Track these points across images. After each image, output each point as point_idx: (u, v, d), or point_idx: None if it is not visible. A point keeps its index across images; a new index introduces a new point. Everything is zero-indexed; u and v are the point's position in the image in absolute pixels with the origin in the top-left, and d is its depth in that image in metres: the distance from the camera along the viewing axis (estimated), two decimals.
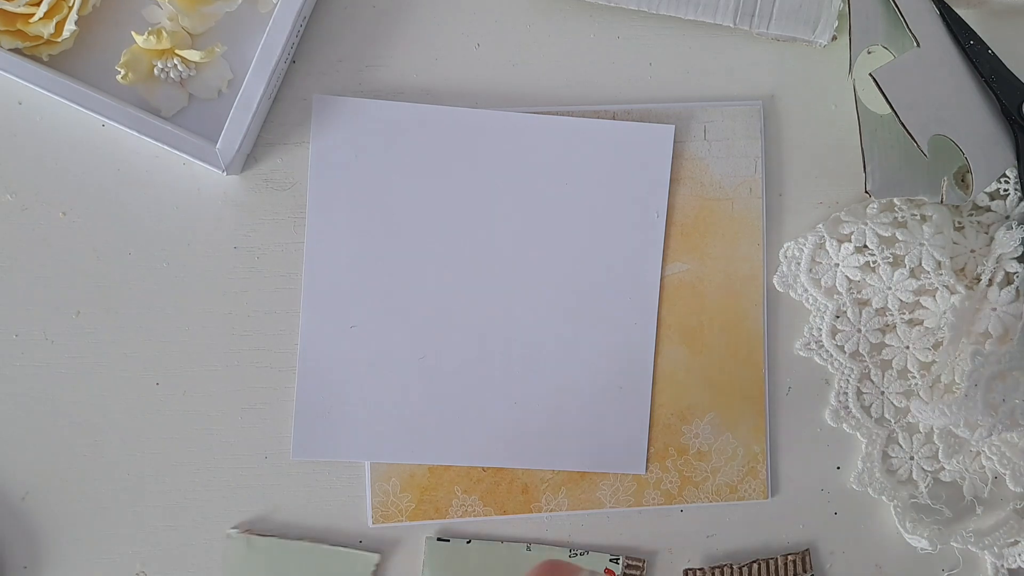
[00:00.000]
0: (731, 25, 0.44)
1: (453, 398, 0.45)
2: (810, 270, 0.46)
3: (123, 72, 0.42)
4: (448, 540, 0.45)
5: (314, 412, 0.45)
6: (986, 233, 0.46)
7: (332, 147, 0.44)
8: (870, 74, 0.41)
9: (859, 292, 0.46)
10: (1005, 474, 0.46)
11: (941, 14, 0.44)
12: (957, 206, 0.46)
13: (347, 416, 0.45)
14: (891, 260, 0.45)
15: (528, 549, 0.46)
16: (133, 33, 0.42)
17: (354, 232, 0.45)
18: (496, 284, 0.45)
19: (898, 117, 0.41)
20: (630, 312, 0.46)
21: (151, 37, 0.42)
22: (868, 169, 0.43)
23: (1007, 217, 0.46)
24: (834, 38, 0.45)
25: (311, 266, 0.44)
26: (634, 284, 0.45)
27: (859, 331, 0.46)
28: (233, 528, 0.45)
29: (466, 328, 0.45)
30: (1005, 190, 0.45)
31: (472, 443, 0.45)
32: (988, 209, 0.46)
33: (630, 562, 0.46)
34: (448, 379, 0.45)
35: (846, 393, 0.47)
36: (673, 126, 0.45)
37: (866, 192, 0.43)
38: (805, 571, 0.47)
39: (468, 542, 0.46)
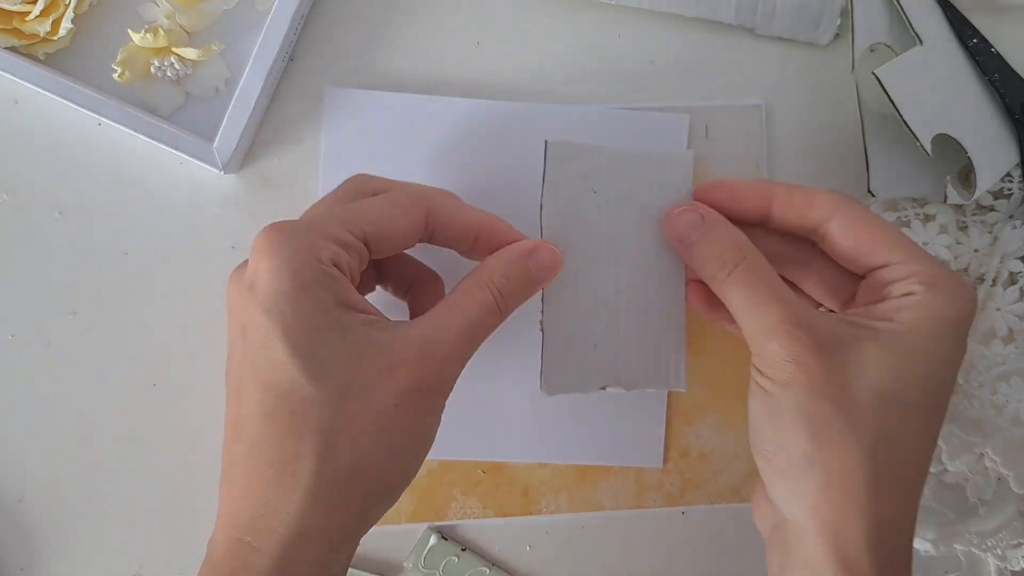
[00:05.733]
0: (732, 23, 0.44)
1: (468, 393, 0.45)
2: None
3: (120, 70, 0.42)
4: (446, 538, 0.45)
5: None
6: (990, 232, 0.46)
7: (344, 139, 0.44)
8: (874, 72, 0.41)
9: None
10: (1009, 476, 0.45)
11: (944, 12, 0.44)
12: (961, 205, 0.45)
13: None
14: None
15: None
16: (130, 31, 0.42)
17: None
18: None
19: (901, 116, 0.41)
20: None
21: (148, 35, 0.41)
22: (871, 168, 0.43)
23: (1011, 216, 0.45)
24: (836, 36, 0.44)
25: None
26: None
27: None
28: None
29: None
30: (1009, 189, 0.45)
31: (489, 438, 0.45)
32: (992, 208, 0.46)
33: None
34: (462, 374, 0.45)
35: None
36: (687, 116, 0.45)
37: (869, 192, 0.42)
38: None
39: (464, 549, 0.45)
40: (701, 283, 0.40)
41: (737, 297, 0.36)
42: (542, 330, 0.39)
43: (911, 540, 0.34)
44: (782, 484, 0.34)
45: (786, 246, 0.39)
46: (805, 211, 0.37)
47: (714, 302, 0.39)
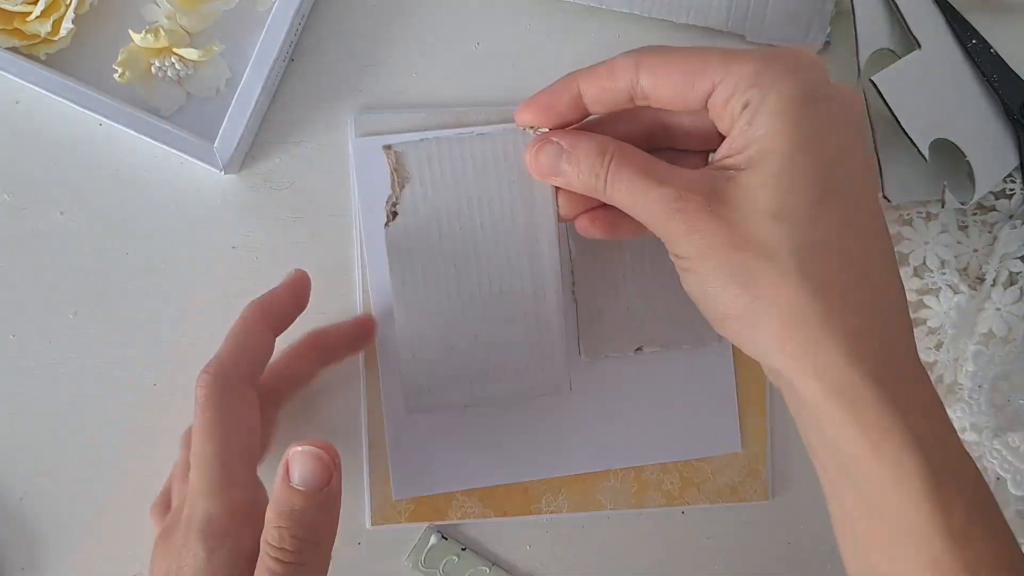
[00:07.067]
0: (723, 29, 0.44)
1: (547, 411, 0.45)
2: None
3: (121, 71, 0.42)
4: (447, 538, 0.45)
5: (409, 449, 0.44)
6: (990, 232, 0.46)
7: (376, 181, 0.43)
8: (870, 79, 0.41)
9: None
10: (1007, 477, 0.45)
11: (943, 14, 0.44)
12: (962, 204, 0.45)
13: (442, 447, 0.44)
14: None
15: None
16: (131, 31, 0.42)
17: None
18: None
19: (899, 123, 0.41)
20: None
21: (149, 35, 0.42)
22: (884, 175, 0.42)
23: (1011, 216, 0.45)
24: (826, 43, 0.45)
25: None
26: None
27: None
28: None
29: None
30: (1011, 190, 0.45)
31: (570, 452, 0.45)
32: (993, 208, 0.46)
33: None
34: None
35: None
36: None
37: (884, 198, 0.42)
38: None
39: (464, 548, 0.45)
40: (598, 208, 0.39)
41: (621, 197, 0.35)
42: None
43: (897, 338, 0.33)
44: (751, 346, 0.34)
45: (635, 124, 0.38)
46: (613, 86, 0.35)
47: (615, 221, 0.38)
